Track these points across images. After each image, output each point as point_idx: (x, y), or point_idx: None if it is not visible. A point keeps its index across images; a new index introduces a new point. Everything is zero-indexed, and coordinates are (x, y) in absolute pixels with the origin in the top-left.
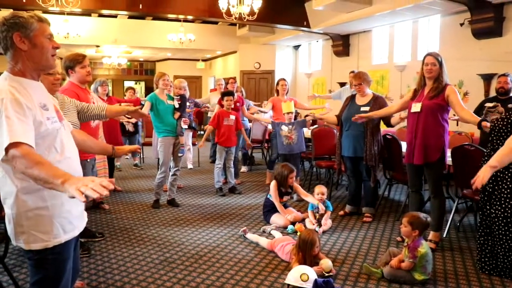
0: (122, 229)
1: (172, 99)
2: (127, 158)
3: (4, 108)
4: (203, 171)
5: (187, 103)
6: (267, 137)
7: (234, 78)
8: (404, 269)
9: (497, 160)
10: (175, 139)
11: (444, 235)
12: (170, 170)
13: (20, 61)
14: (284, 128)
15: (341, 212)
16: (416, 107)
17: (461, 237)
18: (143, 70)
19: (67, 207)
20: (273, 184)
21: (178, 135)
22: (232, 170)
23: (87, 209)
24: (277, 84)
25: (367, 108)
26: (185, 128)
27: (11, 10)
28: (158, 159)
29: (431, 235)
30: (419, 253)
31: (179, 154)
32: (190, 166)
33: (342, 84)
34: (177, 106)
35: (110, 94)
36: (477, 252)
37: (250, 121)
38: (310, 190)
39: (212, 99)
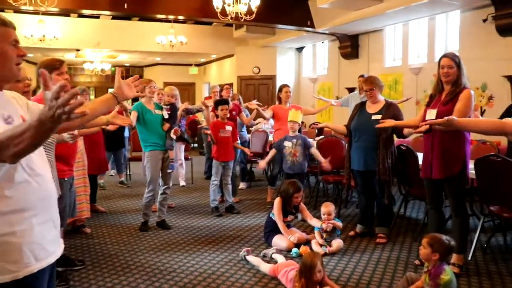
0: (106, 255)
1: (161, 108)
2: (112, 175)
3: None
4: (197, 189)
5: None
6: (267, 149)
7: (230, 85)
8: None
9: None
10: (164, 153)
11: (469, 258)
12: (159, 188)
13: None
14: (288, 143)
15: (351, 233)
16: (431, 114)
17: (489, 260)
18: (130, 77)
19: (39, 231)
20: (277, 201)
21: (167, 149)
22: (230, 187)
23: (65, 233)
24: (280, 90)
25: (378, 117)
26: (175, 140)
27: None
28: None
29: (454, 257)
30: (442, 280)
31: (169, 170)
32: (182, 183)
33: (351, 90)
34: (166, 116)
35: None
36: None
37: (249, 131)
38: (316, 208)
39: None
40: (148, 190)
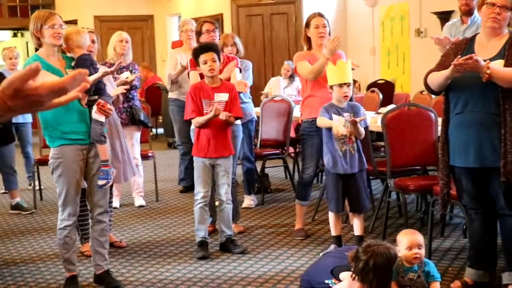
0: None
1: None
2: (5, 192)
3: None
4: (167, 211)
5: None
6: (293, 133)
7: (213, 23)
8: None
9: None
10: (88, 150)
11: None
12: (89, 214)
13: None
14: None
15: (456, 284)
16: None
17: None
18: (28, 7)
19: None
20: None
21: (94, 141)
22: (229, 207)
23: None
24: (307, 25)
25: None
26: (101, 122)
27: None
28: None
29: None
30: None
31: (99, 182)
32: (139, 202)
33: (444, 16)
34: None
35: None
36: None
37: (257, 103)
38: (387, 238)
39: (172, 62)
40: (63, 216)
